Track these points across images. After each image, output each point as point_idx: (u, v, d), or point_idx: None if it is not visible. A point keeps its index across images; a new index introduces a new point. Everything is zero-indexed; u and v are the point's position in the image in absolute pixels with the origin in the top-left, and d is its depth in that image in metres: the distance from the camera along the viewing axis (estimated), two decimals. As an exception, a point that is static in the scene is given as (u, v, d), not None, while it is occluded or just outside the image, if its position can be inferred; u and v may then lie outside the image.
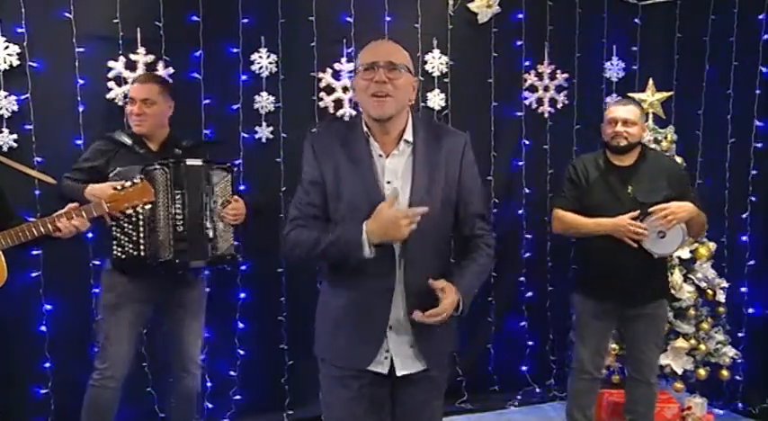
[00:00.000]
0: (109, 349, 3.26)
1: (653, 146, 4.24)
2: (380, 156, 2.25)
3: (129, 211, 3.05)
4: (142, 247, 3.17)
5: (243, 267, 4.18)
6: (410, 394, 2.34)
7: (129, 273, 3.26)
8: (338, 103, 4.29)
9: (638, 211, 3.33)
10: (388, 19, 4.37)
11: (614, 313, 3.57)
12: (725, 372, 4.27)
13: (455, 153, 2.31)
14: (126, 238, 3.18)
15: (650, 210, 3.32)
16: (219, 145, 3.89)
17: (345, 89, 4.25)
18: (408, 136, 2.27)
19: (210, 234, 3.25)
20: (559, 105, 4.84)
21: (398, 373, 2.28)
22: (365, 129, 2.27)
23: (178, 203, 3.18)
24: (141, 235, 3.16)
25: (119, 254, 3.21)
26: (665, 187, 3.42)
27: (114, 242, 3.20)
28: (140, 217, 3.13)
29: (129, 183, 2.98)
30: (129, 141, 3.32)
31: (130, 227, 3.17)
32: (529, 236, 4.84)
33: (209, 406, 4.12)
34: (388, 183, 2.23)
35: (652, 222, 3.32)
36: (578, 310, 3.68)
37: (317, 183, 2.26)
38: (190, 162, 3.23)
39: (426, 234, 2.20)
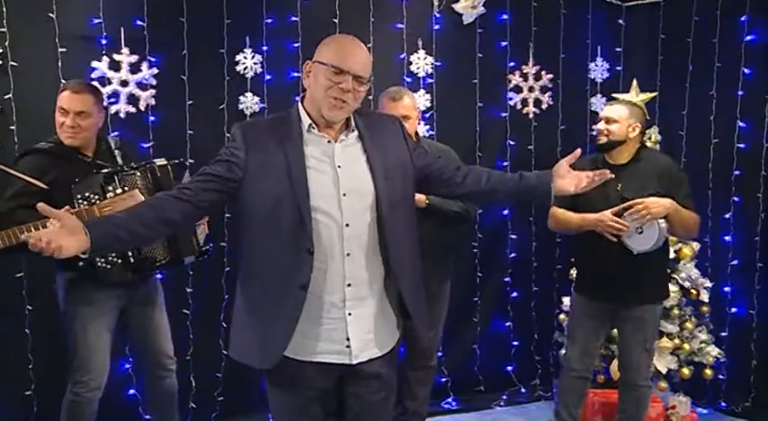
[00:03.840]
0: (92, 360, 3.19)
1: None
2: (329, 142, 2.26)
3: None
4: (130, 254, 3.12)
5: (227, 269, 4.17)
6: (359, 395, 2.32)
7: (106, 282, 3.16)
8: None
9: (620, 207, 3.37)
10: (372, 19, 4.37)
11: (606, 313, 3.59)
12: (708, 372, 4.30)
13: (397, 134, 2.37)
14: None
15: (626, 204, 3.36)
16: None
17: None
18: (351, 124, 2.31)
19: (191, 229, 3.24)
20: (544, 106, 4.85)
21: (355, 361, 2.25)
22: (308, 120, 2.27)
23: None
24: None
25: (103, 265, 3.11)
26: (655, 185, 3.44)
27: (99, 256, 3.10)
28: None
29: (120, 191, 2.95)
30: (65, 151, 3.17)
31: None
32: (514, 236, 4.85)
33: (194, 406, 4.10)
34: (339, 167, 2.24)
35: (628, 217, 3.35)
36: (573, 309, 3.72)
37: (233, 163, 2.22)
38: (159, 162, 3.21)
39: (396, 212, 2.25)
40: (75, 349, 3.22)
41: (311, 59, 2.31)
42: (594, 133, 3.60)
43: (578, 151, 2.34)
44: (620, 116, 3.51)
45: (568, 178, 2.28)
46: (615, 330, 3.79)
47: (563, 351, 4.09)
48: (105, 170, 3.10)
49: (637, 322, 3.54)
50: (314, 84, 2.26)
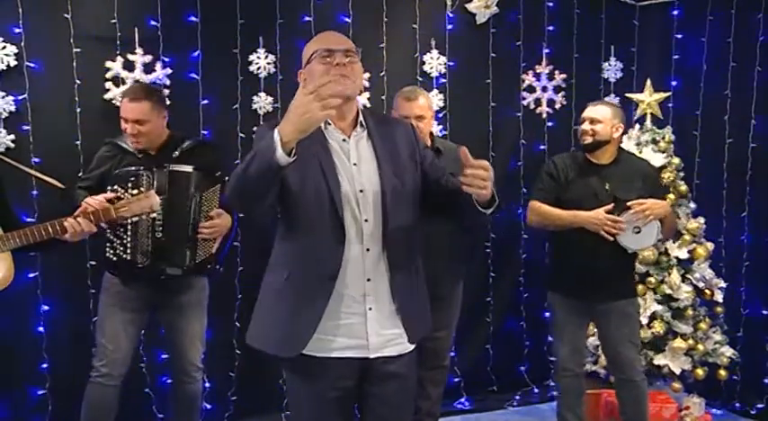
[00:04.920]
0: (107, 347, 3.26)
1: (651, 146, 4.27)
2: (344, 140, 2.29)
3: (135, 219, 3.07)
4: (129, 251, 3.17)
5: (241, 268, 4.18)
6: (378, 395, 2.31)
7: (120, 275, 3.25)
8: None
9: (613, 205, 3.41)
10: (386, 19, 4.37)
11: (586, 309, 3.60)
12: (723, 372, 4.28)
13: (407, 136, 2.39)
14: (118, 241, 3.18)
15: (629, 204, 3.39)
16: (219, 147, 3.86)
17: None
18: (362, 120, 2.33)
19: (190, 242, 3.23)
20: (557, 106, 4.85)
21: (373, 355, 2.25)
22: None
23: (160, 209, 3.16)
24: (129, 238, 3.15)
25: (110, 255, 3.21)
26: (640, 187, 3.51)
27: (108, 244, 3.20)
28: (129, 221, 3.13)
29: (135, 191, 3.01)
30: (130, 147, 3.29)
31: (122, 229, 3.16)
32: (527, 236, 4.84)
33: (208, 407, 4.11)
34: (354, 164, 2.26)
35: (629, 217, 3.39)
36: (553, 309, 3.71)
37: None
38: (175, 168, 3.21)
39: (401, 211, 2.26)
40: (96, 335, 3.35)
41: (302, 70, 2.33)
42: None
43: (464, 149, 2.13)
44: (604, 116, 3.55)
45: (473, 182, 2.09)
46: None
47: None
48: (132, 168, 3.17)
49: (621, 317, 3.54)
50: (312, 80, 2.24)
